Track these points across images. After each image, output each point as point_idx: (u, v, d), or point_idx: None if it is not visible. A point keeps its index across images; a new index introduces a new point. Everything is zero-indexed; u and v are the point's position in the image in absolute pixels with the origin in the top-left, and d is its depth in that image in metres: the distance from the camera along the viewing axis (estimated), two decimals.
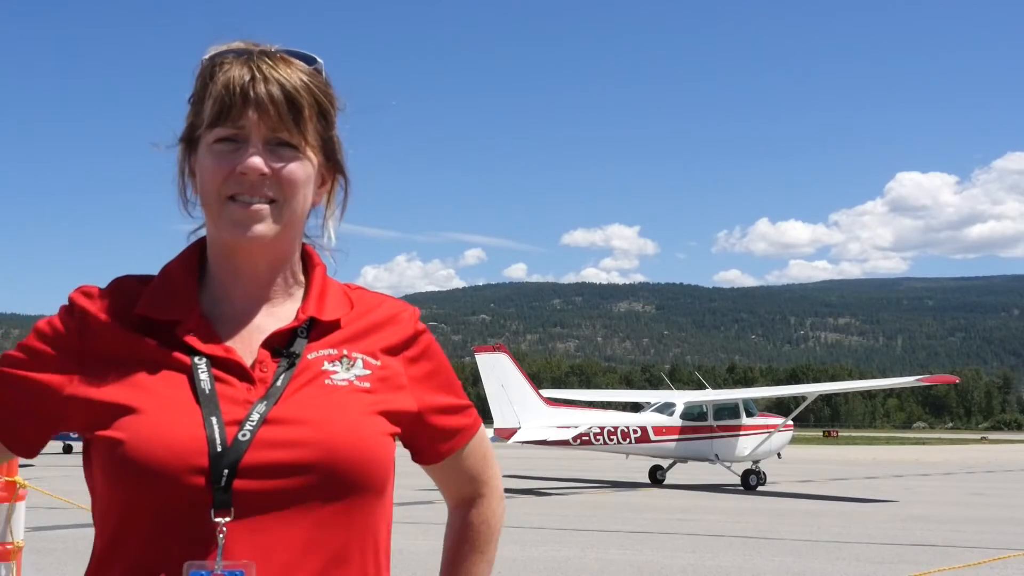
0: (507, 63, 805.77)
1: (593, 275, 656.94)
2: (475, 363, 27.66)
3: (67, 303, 1.51)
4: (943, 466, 40.84)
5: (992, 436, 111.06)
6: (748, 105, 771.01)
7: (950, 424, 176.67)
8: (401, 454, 1.61)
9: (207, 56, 1.48)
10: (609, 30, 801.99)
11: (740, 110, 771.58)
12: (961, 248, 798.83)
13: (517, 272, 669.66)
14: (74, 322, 1.48)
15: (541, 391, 27.37)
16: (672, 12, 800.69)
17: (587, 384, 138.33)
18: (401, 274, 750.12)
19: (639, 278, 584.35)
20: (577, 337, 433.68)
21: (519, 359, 35.45)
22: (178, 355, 1.44)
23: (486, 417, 27.54)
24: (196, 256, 1.55)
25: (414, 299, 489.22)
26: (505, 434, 25.34)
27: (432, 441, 1.61)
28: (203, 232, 1.55)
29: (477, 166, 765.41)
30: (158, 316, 1.47)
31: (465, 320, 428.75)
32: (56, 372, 1.45)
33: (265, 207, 1.44)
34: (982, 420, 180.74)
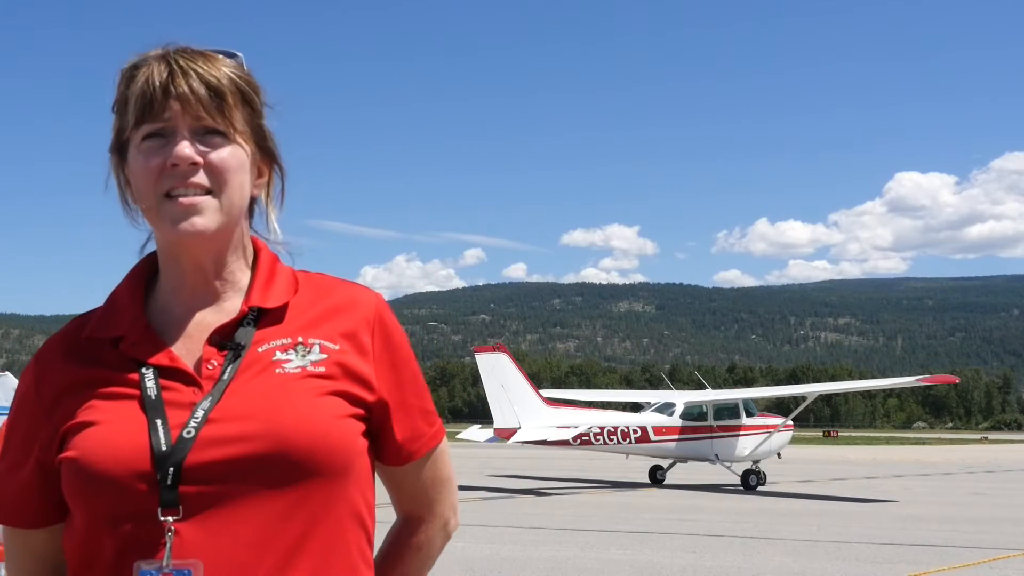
0: (507, 63, 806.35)
1: (593, 275, 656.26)
2: (475, 363, 27.71)
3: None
4: (943, 466, 40.84)
5: (992, 436, 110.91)
6: (748, 105, 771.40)
7: (950, 424, 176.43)
8: None
9: (126, 64, 1.50)
10: (609, 30, 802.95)
11: (739, 110, 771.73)
12: (961, 248, 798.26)
13: (517, 272, 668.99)
14: (31, 379, 1.54)
15: (541, 391, 27.39)
16: (672, 12, 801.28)
17: (587, 384, 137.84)
18: (401, 274, 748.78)
19: (639, 278, 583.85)
20: (577, 337, 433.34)
21: (519, 359, 35.45)
22: (126, 370, 1.47)
23: (486, 417, 27.59)
24: (144, 271, 1.57)
25: (414, 299, 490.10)
26: (505, 434, 25.36)
27: (397, 439, 1.57)
28: (152, 245, 1.57)
29: (477, 166, 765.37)
30: (104, 335, 1.50)
31: (465, 320, 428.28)
32: (35, 439, 1.51)
33: (202, 199, 1.45)
34: (982, 420, 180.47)
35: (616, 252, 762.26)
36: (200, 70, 1.46)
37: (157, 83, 1.45)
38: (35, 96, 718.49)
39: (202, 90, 1.45)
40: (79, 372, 1.49)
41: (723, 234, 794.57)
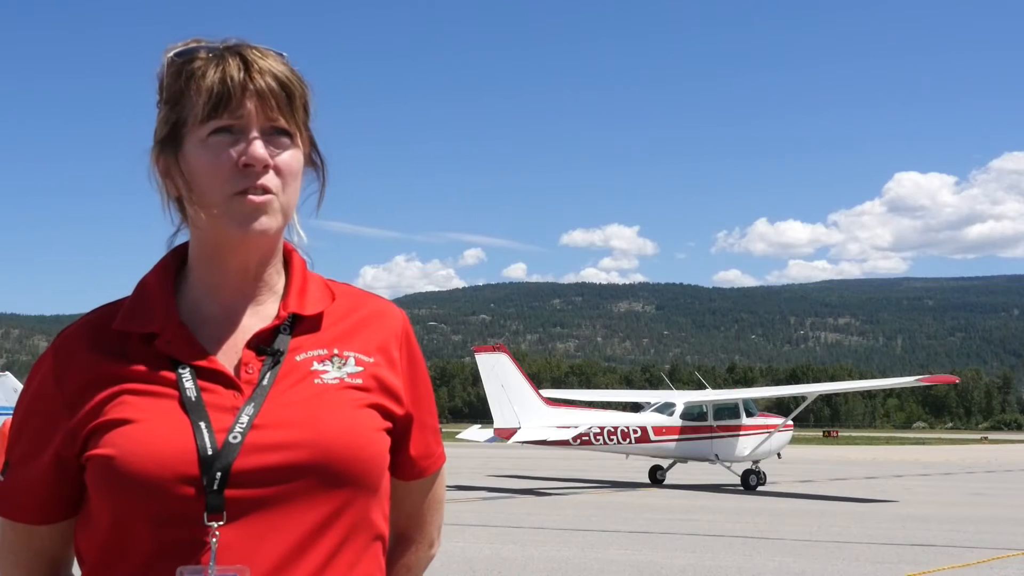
0: (507, 63, 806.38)
1: (593, 275, 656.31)
2: (475, 363, 27.71)
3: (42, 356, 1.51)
4: (943, 466, 40.85)
5: (992, 436, 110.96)
6: (747, 105, 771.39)
7: (950, 424, 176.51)
8: None
9: (172, 53, 1.46)
10: (608, 30, 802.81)
11: (739, 110, 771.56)
12: (960, 248, 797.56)
13: (517, 272, 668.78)
14: (50, 371, 1.48)
15: (541, 391, 27.39)
16: (671, 12, 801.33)
17: (587, 384, 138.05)
18: (400, 274, 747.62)
19: (639, 278, 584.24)
20: (577, 337, 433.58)
21: (519, 359, 35.44)
22: (161, 368, 1.44)
23: (486, 417, 27.59)
24: (174, 263, 1.53)
25: (414, 299, 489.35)
26: (505, 434, 25.36)
27: (412, 454, 1.58)
28: (181, 237, 1.53)
29: (477, 166, 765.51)
30: (135, 329, 1.46)
31: (465, 320, 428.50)
32: (53, 433, 1.45)
33: (271, 198, 1.42)
34: (982, 420, 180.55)
35: (616, 252, 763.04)
36: (275, 69, 1.44)
37: (236, 78, 1.41)
38: (35, 96, 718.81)
39: (277, 89, 1.43)
40: (107, 366, 1.44)
41: (723, 234, 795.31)
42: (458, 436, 28.83)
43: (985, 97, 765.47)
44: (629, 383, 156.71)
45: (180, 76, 1.44)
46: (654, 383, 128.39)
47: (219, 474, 1.35)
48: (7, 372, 22.19)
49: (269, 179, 1.42)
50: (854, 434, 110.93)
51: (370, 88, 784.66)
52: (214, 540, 1.34)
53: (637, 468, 29.05)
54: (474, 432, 28.57)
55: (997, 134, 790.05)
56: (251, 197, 1.41)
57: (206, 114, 1.42)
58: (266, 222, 1.42)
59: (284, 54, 1.50)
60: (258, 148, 1.41)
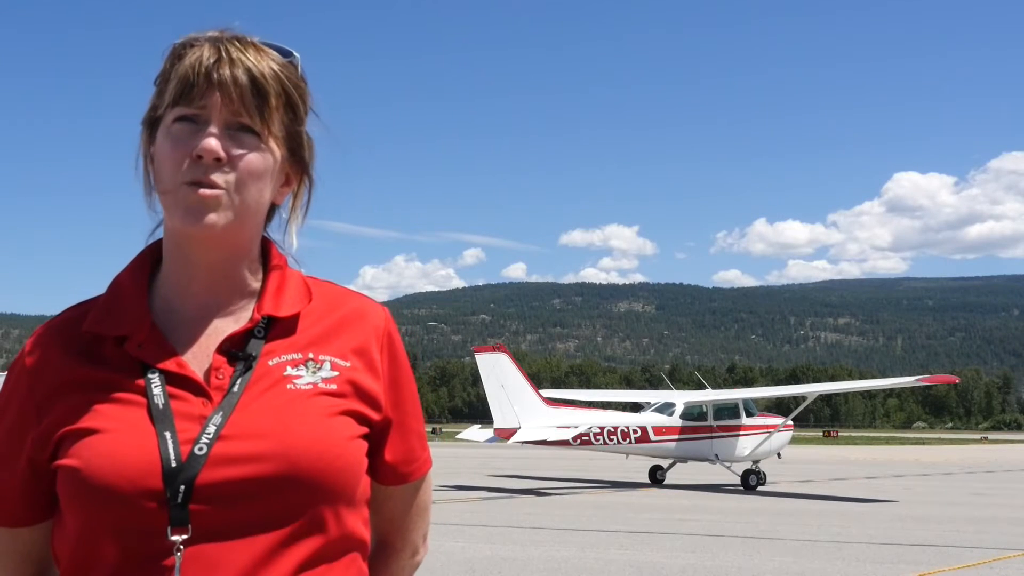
0: (506, 63, 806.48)
1: (592, 275, 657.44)
2: (475, 363, 27.72)
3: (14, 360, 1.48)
4: (943, 466, 40.83)
5: (992, 436, 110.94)
6: (746, 105, 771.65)
7: (950, 424, 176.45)
8: None
9: (178, 41, 1.43)
10: (608, 30, 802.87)
11: (738, 110, 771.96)
12: (960, 248, 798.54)
13: (516, 272, 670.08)
14: (24, 373, 1.44)
15: (541, 391, 27.38)
16: (671, 12, 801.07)
17: (587, 384, 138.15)
18: (400, 274, 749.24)
19: (638, 278, 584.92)
20: (577, 337, 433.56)
21: (519, 359, 35.44)
22: (130, 372, 1.39)
23: (486, 417, 27.59)
24: (148, 261, 1.49)
25: (414, 299, 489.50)
26: (505, 434, 25.35)
27: (392, 460, 1.52)
28: (161, 232, 1.49)
29: (477, 166, 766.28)
30: (106, 331, 1.42)
31: (465, 320, 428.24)
32: (26, 436, 1.42)
33: (219, 193, 1.37)
34: (982, 420, 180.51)
35: (615, 252, 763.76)
36: (249, 63, 1.39)
37: (202, 67, 1.37)
38: (36, 96, 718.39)
39: (246, 84, 1.38)
40: (78, 370, 1.40)
41: (722, 234, 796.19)
42: (458, 436, 28.83)
43: (984, 97, 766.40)
44: (629, 383, 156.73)
45: (172, 60, 1.42)
46: (654, 383, 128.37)
47: (183, 487, 1.30)
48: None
49: (221, 174, 1.37)
50: (854, 434, 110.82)
51: (370, 88, 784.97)
52: (178, 554, 1.30)
53: (637, 468, 29.04)
54: (474, 432, 28.57)
55: (996, 134, 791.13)
56: (200, 191, 1.36)
57: (172, 100, 1.39)
58: (213, 218, 1.37)
59: (294, 55, 1.46)
60: (210, 142, 1.36)
